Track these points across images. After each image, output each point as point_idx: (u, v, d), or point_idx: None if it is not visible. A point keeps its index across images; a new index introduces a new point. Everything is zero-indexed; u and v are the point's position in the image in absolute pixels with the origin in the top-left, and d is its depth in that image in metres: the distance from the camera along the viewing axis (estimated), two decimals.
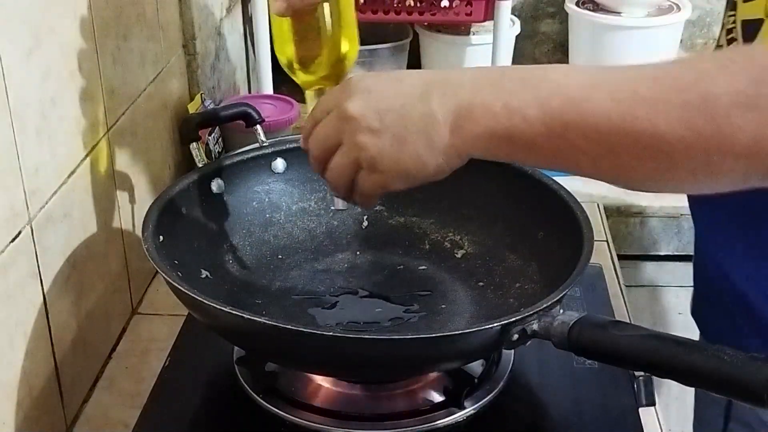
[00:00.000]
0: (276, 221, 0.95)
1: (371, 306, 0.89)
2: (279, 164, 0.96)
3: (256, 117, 0.97)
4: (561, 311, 0.72)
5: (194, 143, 0.92)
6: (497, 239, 0.93)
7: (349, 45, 0.79)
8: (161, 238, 0.81)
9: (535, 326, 0.71)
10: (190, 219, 0.88)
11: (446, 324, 0.87)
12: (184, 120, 0.92)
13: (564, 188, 0.89)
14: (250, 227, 0.94)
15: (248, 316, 0.71)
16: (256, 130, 0.97)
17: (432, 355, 0.73)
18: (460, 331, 0.74)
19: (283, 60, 0.80)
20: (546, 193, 0.89)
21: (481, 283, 0.92)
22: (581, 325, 0.70)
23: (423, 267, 0.95)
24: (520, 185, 0.92)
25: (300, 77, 0.80)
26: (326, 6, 0.77)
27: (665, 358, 0.67)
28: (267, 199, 0.95)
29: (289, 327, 0.71)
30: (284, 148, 0.96)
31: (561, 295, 0.73)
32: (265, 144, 0.97)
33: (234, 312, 0.71)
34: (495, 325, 0.70)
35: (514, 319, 0.71)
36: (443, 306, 0.89)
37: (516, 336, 0.71)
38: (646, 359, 0.69)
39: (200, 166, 0.91)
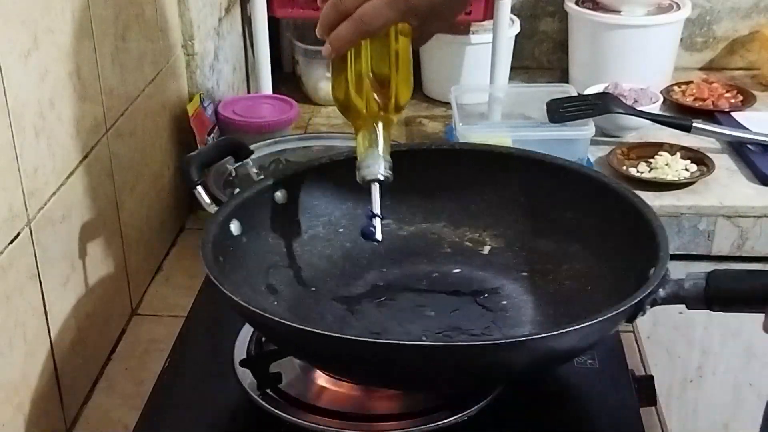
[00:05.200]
0: (294, 253, 0.91)
1: (439, 317, 0.86)
2: (280, 195, 0.91)
3: (245, 152, 0.95)
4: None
5: (199, 187, 0.87)
6: (519, 228, 0.92)
7: (403, 87, 0.81)
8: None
9: (662, 294, 0.73)
10: (228, 268, 0.82)
11: (521, 319, 0.85)
12: (184, 162, 0.86)
13: (573, 162, 0.90)
14: (275, 265, 0.89)
15: (354, 337, 0.70)
16: (248, 164, 0.95)
17: (569, 347, 0.73)
18: (604, 317, 0.70)
19: (340, 97, 0.82)
20: (557, 172, 0.90)
21: (524, 273, 0.90)
22: (717, 280, 0.72)
23: (457, 270, 0.92)
24: (525, 171, 0.92)
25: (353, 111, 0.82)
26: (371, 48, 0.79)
27: None
28: (279, 233, 0.91)
29: (406, 343, 0.70)
30: (283, 176, 0.92)
31: (668, 259, 0.76)
32: (261, 177, 0.93)
33: (335, 334, 0.70)
34: (633, 302, 0.71)
35: (647, 293, 0.71)
36: (504, 303, 0.88)
37: (648, 307, 0.73)
38: None
39: (212, 212, 0.85)
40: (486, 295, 0.89)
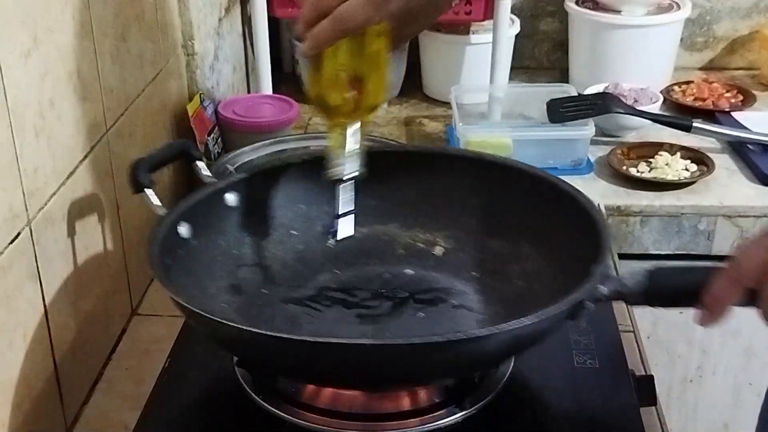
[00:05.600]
0: (245, 256, 0.91)
1: (385, 318, 0.87)
2: (231, 197, 0.90)
3: (195, 154, 0.93)
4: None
5: (147, 191, 0.85)
6: (472, 230, 0.93)
7: (378, 87, 0.82)
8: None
9: (605, 291, 0.73)
10: (176, 270, 0.81)
11: (471, 319, 0.86)
12: (132, 167, 0.85)
13: (523, 163, 0.91)
14: (226, 267, 0.89)
15: (286, 336, 0.69)
16: (197, 166, 0.92)
17: (505, 346, 0.73)
18: (541, 317, 0.70)
19: (314, 95, 0.82)
20: (509, 173, 0.90)
21: (475, 273, 0.91)
22: (657, 277, 0.73)
23: (409, 271, 0.93)
24: (478, 173, 0.92)
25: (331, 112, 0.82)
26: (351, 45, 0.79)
27: None
28: (230, 236, 0.90)
29: (346, 342, 0.69)
30: (234, 180, 0.91)
31: (608, 256, 0.76)
32: (210, 177, 0.91)
33: (268, 333, 0.70)
34: (575, 299, 0.71)
35: (589, 288, 0.72)
36: (455, 303, 0.89)
37: (591, 305, 0.73)
38: None
39: (161, 214, 0.84)
40: (437, 296, 0.90)
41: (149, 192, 0.85)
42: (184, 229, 0.84)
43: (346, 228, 0.84)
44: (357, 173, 0.82)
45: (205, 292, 0.85)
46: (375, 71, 0.81)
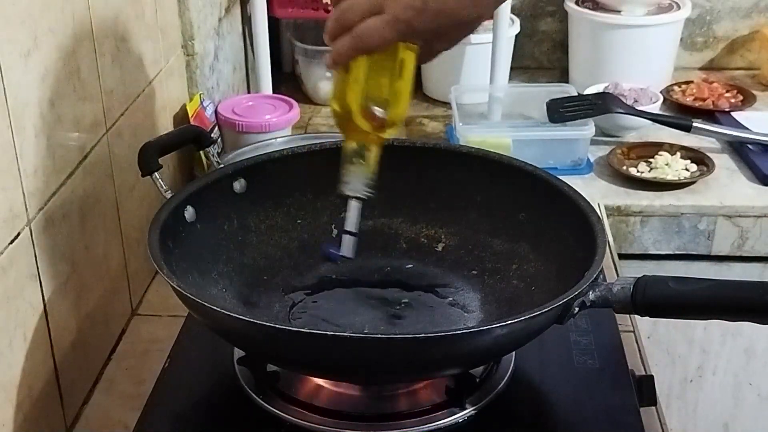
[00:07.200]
0: (249, 242, 0.92)
1: (379, 309, 0.88)
2: (238, 184, 0.91)
3: (206, 139, 0.94)
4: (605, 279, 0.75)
5: (155, 174, 0.86)
6: (475, 227, 0.94)
7: (400, 105, 0.80)
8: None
9: (591, 297, 0.73)
10: (177, 253, 0.83)
11: (465, 315, 0.87)
12: (142, 149, 0.86)
13: (529, 164, 0.91)
14: (228, 252, 0.90)
15: (281, 326, 0.71)
16: (208, 152, 0.94)
17: (492, 344, 0.73)
18: (525, 316, 0.71)
19: (337, 109, 0.79)
20: (514, 174, 0.91)
21: (474, 272, 0.92)
22: (645, 285, 0.72)
23: (409, 265, 0.94)
24: (484, 171, 0.93)
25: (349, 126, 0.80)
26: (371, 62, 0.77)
27: (740, 300, 0.70)
28: (236, 222, 0.92)
29: (345, 335, 0.70)
30: (242, 167, 0.93)
31: (601, 264, 0.75)
32: (221, 165, 0.94)
33: (263, 323, 0.72)
34: (560, 302, 0.72)
35: (576, 293, 0.72)
36: (451, 299, 0.90)
37: (576, 309, 0.73)
38: (719, 304, 0.71)
39: (167, 197, 0.85)
40: (435, 291, 0.91)
41: (157, 176, 0.86)
42: (189, 213, 0.86)
43: (347, 248, 0.83)
44: (369, 194, 0.81)
45: (206, 276, 0.86)
46: (398, 89, 0.79)
